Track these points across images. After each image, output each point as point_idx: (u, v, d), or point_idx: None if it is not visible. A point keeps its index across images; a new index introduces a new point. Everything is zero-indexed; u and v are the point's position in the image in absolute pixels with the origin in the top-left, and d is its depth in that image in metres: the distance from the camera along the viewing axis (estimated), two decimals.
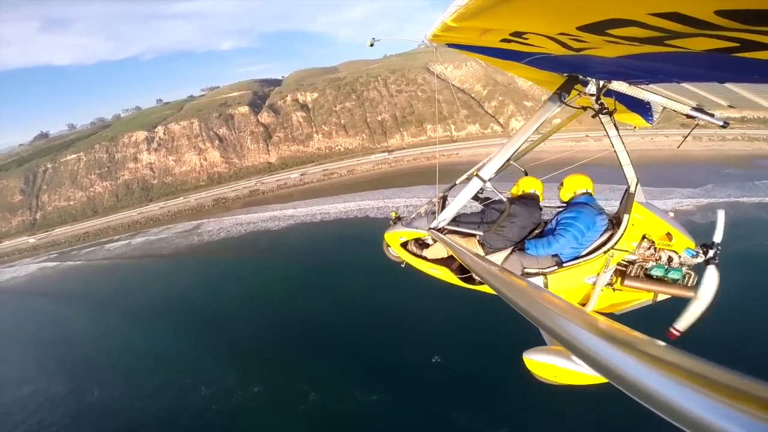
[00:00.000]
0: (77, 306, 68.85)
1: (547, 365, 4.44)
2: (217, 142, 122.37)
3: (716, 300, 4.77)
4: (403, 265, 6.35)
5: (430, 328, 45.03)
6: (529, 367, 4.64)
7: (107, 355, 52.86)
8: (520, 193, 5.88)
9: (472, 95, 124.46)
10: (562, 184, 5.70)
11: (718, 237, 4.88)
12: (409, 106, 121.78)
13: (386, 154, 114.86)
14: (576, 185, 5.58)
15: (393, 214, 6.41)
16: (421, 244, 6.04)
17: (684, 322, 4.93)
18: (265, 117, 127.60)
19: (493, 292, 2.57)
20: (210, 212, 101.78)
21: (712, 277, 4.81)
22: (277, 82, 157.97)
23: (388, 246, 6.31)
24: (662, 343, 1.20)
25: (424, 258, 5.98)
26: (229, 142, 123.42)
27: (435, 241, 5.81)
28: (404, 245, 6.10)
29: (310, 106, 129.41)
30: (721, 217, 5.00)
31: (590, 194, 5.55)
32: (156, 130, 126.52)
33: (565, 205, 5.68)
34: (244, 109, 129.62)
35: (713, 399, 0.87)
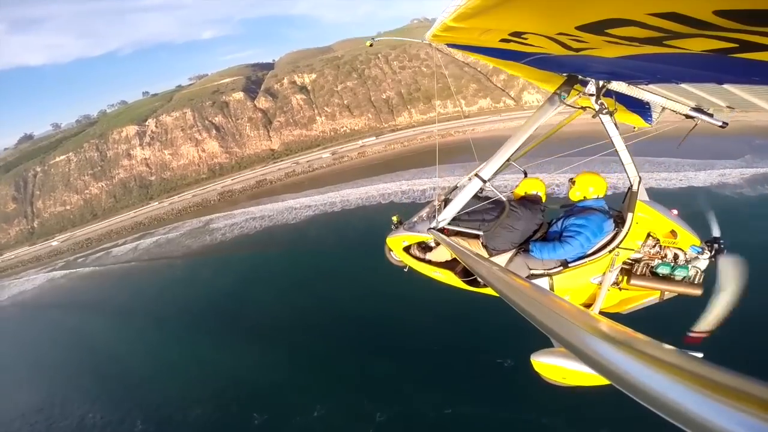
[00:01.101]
0: (99, 316, 63.53)
1: (555, 367, 4.45)
2: (213, 131, 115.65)
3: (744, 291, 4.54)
4: (406, 270, 6.30)
5: (496, 327, 40.84)
6: (537, 370, 4.64)
7: (143, 374, 48.12)
8: (522, 194, 5.77)
9: (478, 69, 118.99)
10: (573, 183, 5.50)
11: (716, 231, 4.95)
12: (414, 83, 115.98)
13: (374, 138, 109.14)
14: (588, 187, 5.38)
15: (394, 219, 6.33)
16: (424, 247, 6.04)
17: (706, 322, 4.74)
18: (263, 102, 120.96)
19: (496, 294, 2.53)
20: (217, 207, 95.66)
21: (727, 267, 4.68)
22: (269, 66, 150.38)
23: (391, 250, 6.27)
24: (666, 346, 1.22)
25: (428, 261, 5.95)
26: (227, 131, 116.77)
27: (438, 244, 5.79)
28: (407, 249, 6.06)
29: (309, 87, 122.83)
30: (712, 215, 5.09)
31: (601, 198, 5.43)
32: (147, 123, 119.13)
33: (571, 204, 5.53)
34: (239, 95, 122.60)
35: (715, 400, 0.88)
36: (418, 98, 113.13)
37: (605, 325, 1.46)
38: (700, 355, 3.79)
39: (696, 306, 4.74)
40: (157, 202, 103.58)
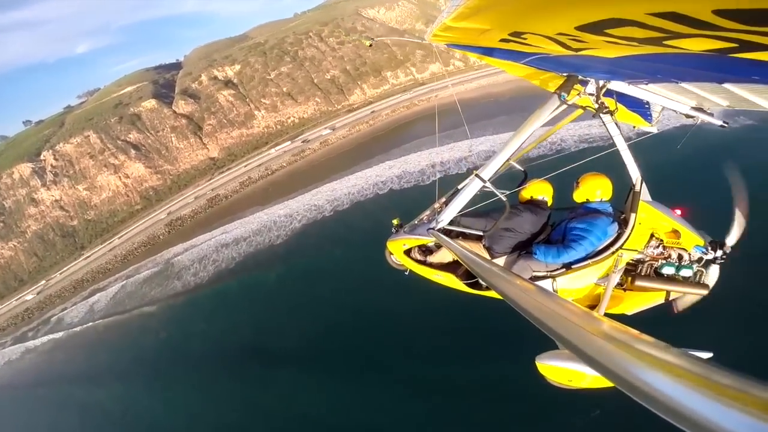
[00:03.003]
0: (98, 386, 52.16)
1: (561, 369, 4.43)
2: (132, 151, 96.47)
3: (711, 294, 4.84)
4: (407, 273, 6.28)
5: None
6: (542, 373, 4.61)
7: None
8: (528, 198, 5.78)
9: (416, 34, 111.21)
10: (578, 185, 5.41)
11: (730, 240, 4.89)
12: (358, 57, 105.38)
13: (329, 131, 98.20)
14: (595, 190, 5.31)
15: (395, 222, 6.25)
16: (425, 250, 5.98)
17: (681, 304, 5.13)
18: (183, 106, 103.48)
19: (499, 296, 2.54)
20: (170, 241, 78.76)
21: (713, 275, 4.93)
22: (176, 66, 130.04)
23: (391, 254, 6.26)
24: (671, 347, 1.23)
25: (429, 264, 5.92)
26: (149, 147, 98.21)
27: (439, 248, 5.79)
28: (408, 252, 6.00)
29: (235, 80, 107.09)
30: (738, 220, 4.92)
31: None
32: (42, 157, 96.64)
33: (575, 206, 5.53)
34: (150, 103, 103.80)
35: (720, 402, 0.87)
36: (367, 73, 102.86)
37: (609, 326, 1.47)
38: (708, 354, 3.99)
39: (699, 305, 4.97)
40: (90, 251, 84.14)
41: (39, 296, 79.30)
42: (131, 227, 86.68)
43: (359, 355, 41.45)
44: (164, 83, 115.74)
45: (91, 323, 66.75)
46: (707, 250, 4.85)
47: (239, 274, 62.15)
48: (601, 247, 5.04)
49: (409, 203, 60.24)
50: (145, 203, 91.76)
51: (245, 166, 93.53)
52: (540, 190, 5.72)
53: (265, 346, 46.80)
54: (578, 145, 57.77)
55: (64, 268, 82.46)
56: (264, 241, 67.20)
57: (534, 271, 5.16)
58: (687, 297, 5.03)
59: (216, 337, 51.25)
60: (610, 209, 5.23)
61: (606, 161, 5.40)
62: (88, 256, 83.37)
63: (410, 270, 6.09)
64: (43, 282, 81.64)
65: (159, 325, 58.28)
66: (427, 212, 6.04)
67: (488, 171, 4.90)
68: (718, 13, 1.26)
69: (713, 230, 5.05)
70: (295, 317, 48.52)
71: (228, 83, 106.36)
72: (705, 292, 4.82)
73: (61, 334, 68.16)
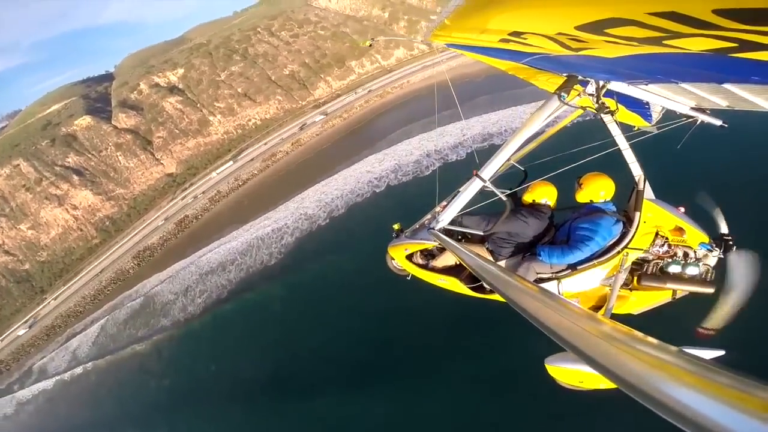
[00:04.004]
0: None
1: (571, 371, 4.26)
2: (74, 177, 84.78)
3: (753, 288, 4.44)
4: (408, 278, 6.18)
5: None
6: (552, 375, 4.45)
7: None
8: (530, 201, 5.57)
9: (374, 20, 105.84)
10: (580, 185, 5.27)
11: (723, 229, 4.88)
12: (317, 49, 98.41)
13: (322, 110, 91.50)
14: (599, 191, 5.16)
15: (395, 227, 6.10)
16: (427, 255, 5.91)
17: (715, 319, 4.76)
18: (124, 119, 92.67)
19: (503, 299, 2.52)
20: (142, 275, 69.81)
21: (737, 263, 4.67)
22: (108, 77, 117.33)
23: (393, 259, 6.08)
24: (673, 349, 1.22)
25: (432, 269, 5.80)
26: (94, 170, 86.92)
27: (441, 251, 5.71)
28: (409, 257, 5.87)
29: (180, 86, 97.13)
30: (715, 212, 5.00)
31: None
32: None
33: (578, 206, 5.38)
34: (85, 120, 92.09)
35: (723, 403, 0.86)
36: (329, 64, 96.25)
37: (613, 328, 1.46)
38: (720, 353, 4.05)
39: (705, 303, 4.75)
40: (61, 289, 73.98)
41: (4, 351, 70.02)
42: (93, 264, 76.43)
43: (385, 366, 38.82)
44: (97, 97, 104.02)
45: (80, 369, 59.22)
46: (712, 246, 4.76)
47: (235, 301, 55.78)
48: (606, 247, 4.94)
49: (412, 199, 56.92)
50: (103, 236, 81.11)
51: (211, 179, 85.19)
52: (543, 194, 5.52)
53: (285, 373, 42.91)
54: (573, 119, 56.52)
55: (30, 314, 72.44)
56: (255, 263, 60.54)
57: (538, 273, 5.10)
58: (719, 313, 4.69)
59: (227, 370, 46.48)
60: (614, 208, 5.16)
61: (603, 159, 5.14)
62: (52, 301, 73.33)
63: (412, 275, 5.98)
64: (32, 316, 72.53)
65: (158, 365, 52.60)
66: (428, 216, 5.93)
67: (488, 171, 4.80)
68: (719, 12, 1.24)
69: (714, 228, 4.98)
70: (309, 338, 44.47)
71: (173, 89, 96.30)
72: (711, 290, 4.70)
73: (50, 384, 60.36)
